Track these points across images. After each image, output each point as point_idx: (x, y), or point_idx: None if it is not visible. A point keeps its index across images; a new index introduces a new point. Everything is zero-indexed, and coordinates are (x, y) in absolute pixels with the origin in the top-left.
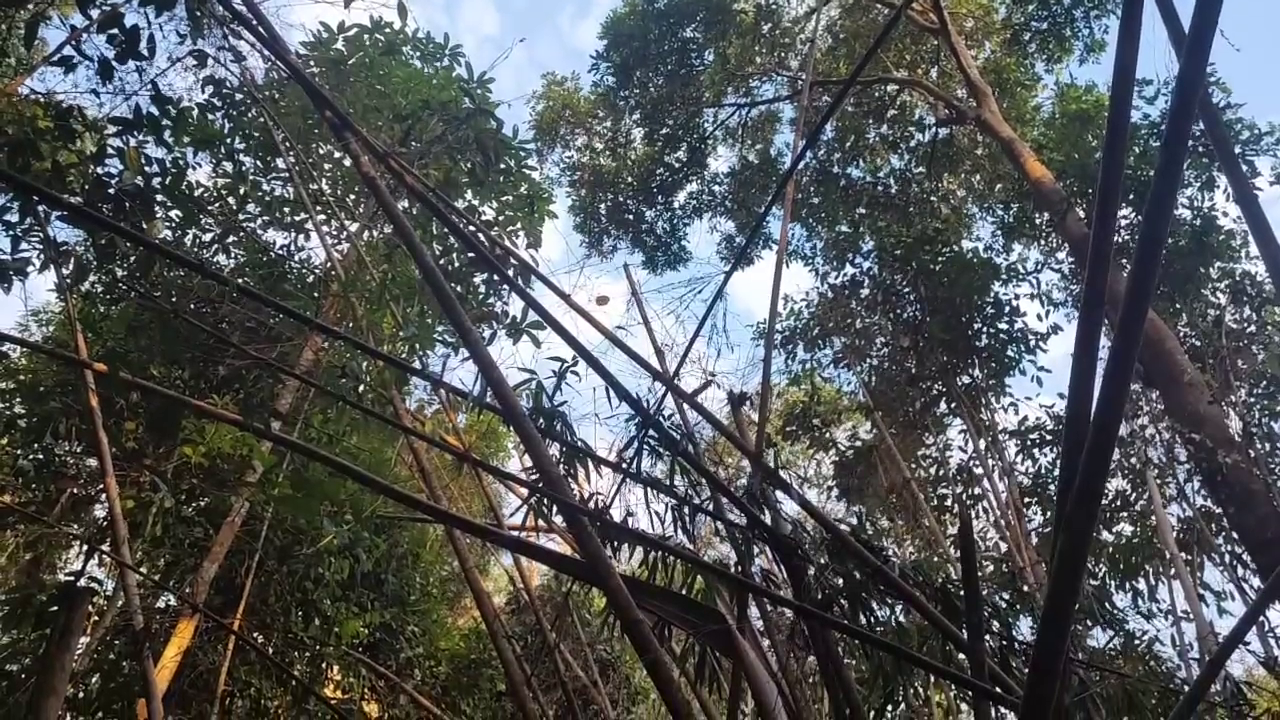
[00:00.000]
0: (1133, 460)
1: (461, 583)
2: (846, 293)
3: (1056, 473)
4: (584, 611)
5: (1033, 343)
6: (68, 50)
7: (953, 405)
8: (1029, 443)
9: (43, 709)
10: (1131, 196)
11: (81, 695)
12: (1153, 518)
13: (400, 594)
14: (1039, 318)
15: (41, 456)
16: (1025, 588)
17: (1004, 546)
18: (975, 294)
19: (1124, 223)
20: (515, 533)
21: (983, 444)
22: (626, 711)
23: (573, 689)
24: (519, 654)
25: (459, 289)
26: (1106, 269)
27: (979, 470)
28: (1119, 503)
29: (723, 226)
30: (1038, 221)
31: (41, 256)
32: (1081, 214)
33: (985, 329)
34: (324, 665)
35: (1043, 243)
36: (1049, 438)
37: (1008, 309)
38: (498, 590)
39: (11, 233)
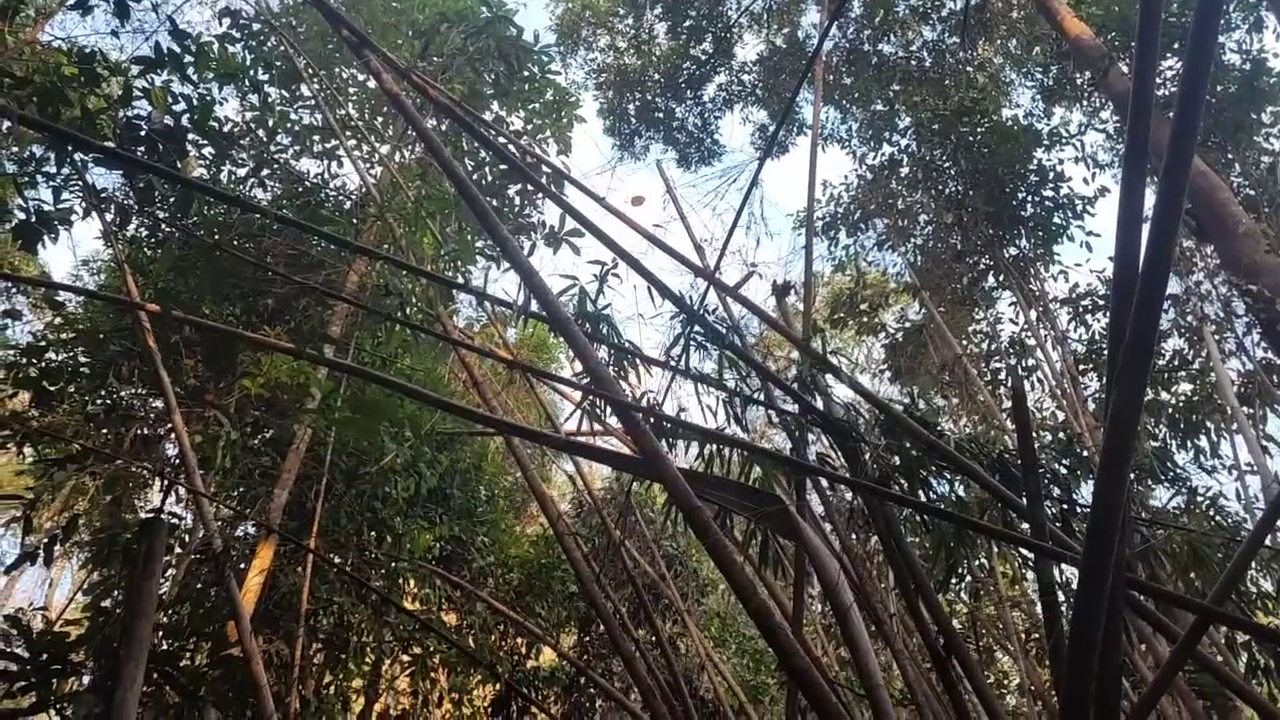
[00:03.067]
0: (1189, 318)
1: (525, 492)
2: (885, 173)
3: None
4: (646, 510)
5: (1080, 208)
6: None
7: (1001, 278)
8: (1081, 309)
9: (135, 630)
10: (1177, 46)
11: (173, 622)
12: (1212, 374)
13: (467, 507)
14: (1085, 181)
15: (109, 401)
16: (1084, 453)
17: (1060, 415)
18: (1018, 163)
19: (1169, 73)
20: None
21: (1034, 315)
22: (696, 603)
23: (642, 584)
24: (586, 554)
25: (494, 203)
26: (1149, 115)
27: (1031, 341)
28: (1176, 362)
29: (754, 116)
30: (1079, 82)
31: (84, 205)
32: (1125, 69)
33: (1030, 198)
34: (400, 580)
35: (1085, 104)
36: (1101, 303)
37: (1052, 175)
38: (560, 497)
39: (52, 184)
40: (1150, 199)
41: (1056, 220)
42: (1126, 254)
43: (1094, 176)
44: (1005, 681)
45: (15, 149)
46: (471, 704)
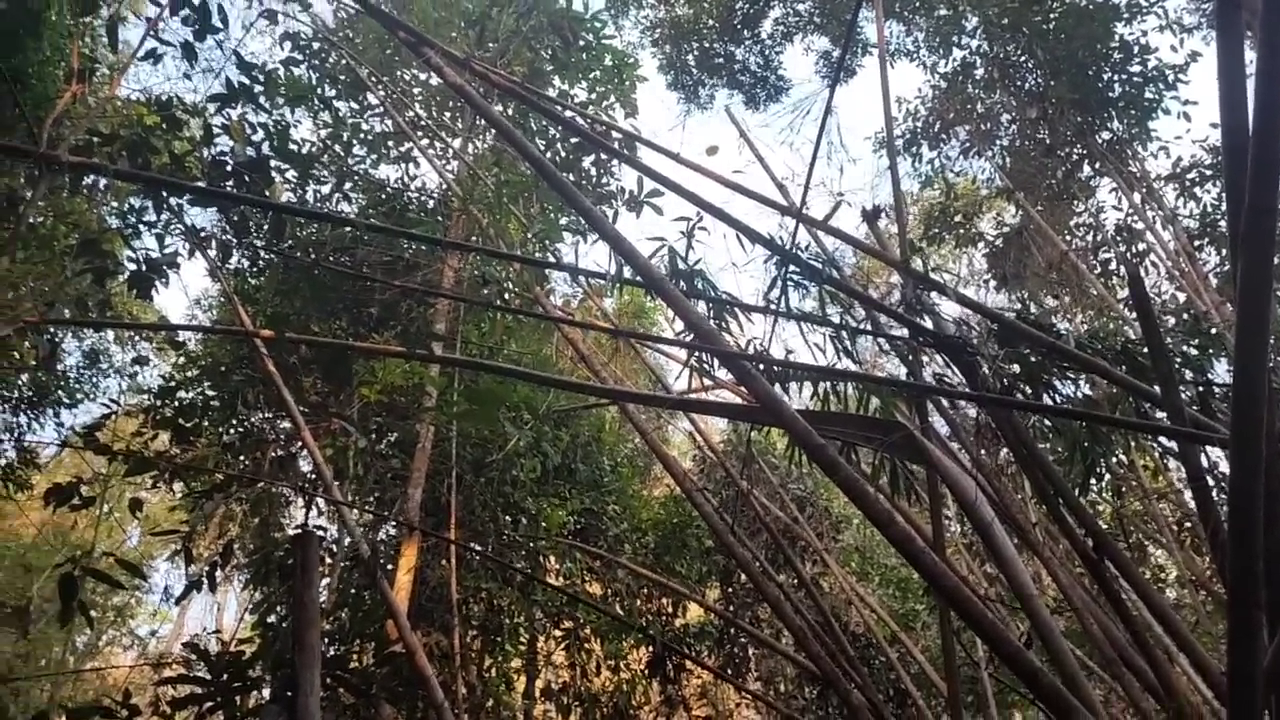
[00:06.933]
0: None
1: (647, 457)
2: (960, 79)
3: (1225, 206)
4: (769, 457)
5: (1171, 78)
6: (151, 43)
7: (1097, 165)
8: (1188, 183)
9: (306, 639)
10: None
11: (336, 627)
12: None
13: (593, 478)
14: (1173, 49)
15: (241, 428)
16: (1213, 331)
17: (1181, 296)
18: (1099, 42)
19: None
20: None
21: (1138, 197)
22: (833, 541)
23: (776, 529)
24: (716, 507)
25: (570, 177)
26: None
27: (1139, 225)
28: None
29: (816, 44)
30: None
31: (187, 246)
32: None
33: (1116, 77)
34: (541, 559)
35: None
36: (1209, 173)
37: (1137, 49)
38: (682, 456)
39: (154, 231)
40: (1249, 54)
41: (1148, 95)
42: (1233, 112)
43: (1182, 42)
44: (1162, 575)
45: (115, 204)
46: (628, 668)
